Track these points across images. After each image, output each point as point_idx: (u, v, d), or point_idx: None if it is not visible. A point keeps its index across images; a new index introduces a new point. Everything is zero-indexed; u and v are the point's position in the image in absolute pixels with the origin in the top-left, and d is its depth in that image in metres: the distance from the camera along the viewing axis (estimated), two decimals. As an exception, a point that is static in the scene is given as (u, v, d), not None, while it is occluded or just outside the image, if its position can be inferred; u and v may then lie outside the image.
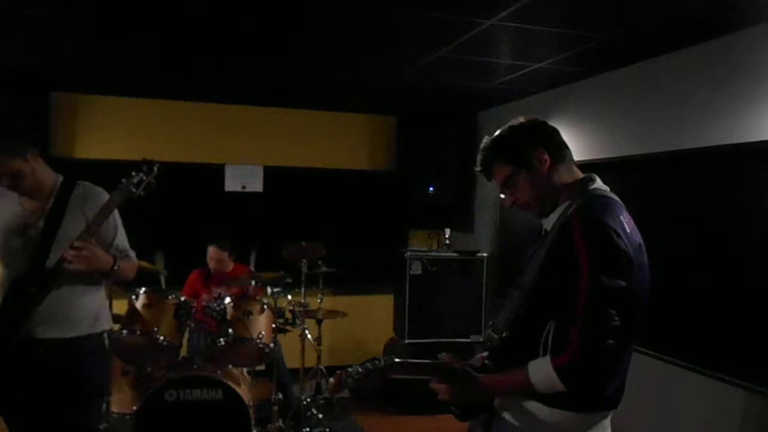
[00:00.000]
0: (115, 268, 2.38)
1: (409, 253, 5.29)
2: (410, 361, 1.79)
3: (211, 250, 4.49)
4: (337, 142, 5.94)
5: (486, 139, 1.82)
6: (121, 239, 2.54)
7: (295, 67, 4.20)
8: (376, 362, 1.69)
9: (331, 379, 1.75)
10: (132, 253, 2.56)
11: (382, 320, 5.79)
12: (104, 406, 3.59)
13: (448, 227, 5.66)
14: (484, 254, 5.35)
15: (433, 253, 5.43)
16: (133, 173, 2.39)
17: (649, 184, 3.69)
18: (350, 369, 1.68)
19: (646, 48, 3.50)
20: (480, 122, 5.70)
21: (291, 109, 5.78)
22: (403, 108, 5.74)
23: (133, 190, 2.37)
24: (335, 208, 5.89)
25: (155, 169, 2.41)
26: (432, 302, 5.22)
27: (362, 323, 5.57)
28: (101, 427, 3.65)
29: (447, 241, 5.63)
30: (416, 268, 5.25)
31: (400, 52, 3.76)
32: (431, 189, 5.59)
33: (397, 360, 1.71)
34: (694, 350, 3.29)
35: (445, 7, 2.91)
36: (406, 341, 5.17)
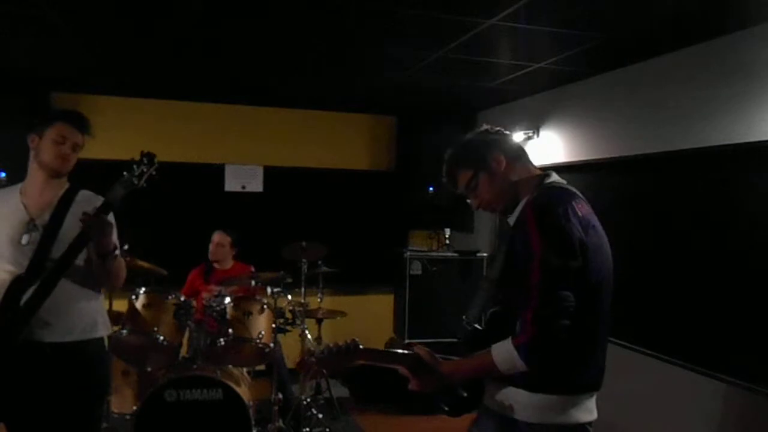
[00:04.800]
0: (117, 253, 2.42)
1: (409, 253, 5.29)
2: (375, 349, 1.87)
3: (215, 235, 4.52)
4: (337, 142, 5.94)
5: (447, 151, 2.00)
6: (115, 240, 2.54)
7: (296, 67, 4.21)
8: (340, 345, 1.78)
9: (297, 360, 1.82)
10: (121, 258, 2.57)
11: (382, 320, 5.80)
12: (104, 406, 3.59)
13: (448, 227, 5.67)
14: (484, 254, 5.35)
15: (433, 253, 5.44)
16: (134, 166, 2.43)
17: (649, 184, 3.69)
18: (314, 349, 1.75)
19: (646, 48, 3.50)
20: (480, 122, 5.68)
21: (291, 109, 5.78)
22: (403, 108, 5.74)
23: (135, 182, 2.41)
24: (335, 208, 5.89)
25: (155, 161, 2.46)
26: (432, 302, 5.23)
27: (362, 323, 5.56)
28: (102, 426, 3.66)
29: (447, 241, 5.63)
30: (416, 268, 5.25)
31: (400, 52, 3.76)
32: (431, 189, 5.59)
33: (361, 347, 1.79)
34: (693, 350, 3.29)
35: (445, 7, 2.91)
36: (406, 341, 5.17)
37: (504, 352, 1.65)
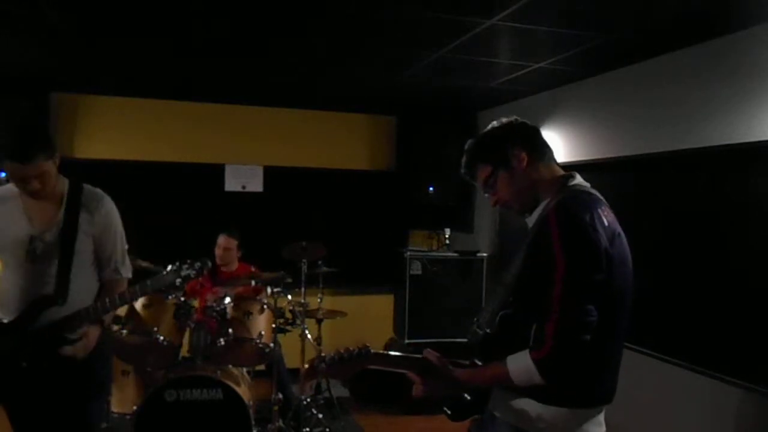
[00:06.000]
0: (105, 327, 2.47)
1: (409, 253, 5.29)
2: (386, 353, 1.82)
3: (221, 239, 4.50)
4: (337, 142, 5.94)
5: (468, 142, 1.88)
6: (121, 252, 2.52)
7: (296, 67, 4.21)
8: (351, 350, 1.73)
9: (306, 365, 1.78)
10: (125, 270, 2.53)
11: (382, 320, 5.80)
12: (106, 398, 3.59)
13: (448, 227, 5.66)
14: (484, 254, 5.35)
15: (433, 253, 5.43)
16: (185, 266, 2.37)
17: (649, 184, 3.69)
18: (324, 354, 1.71)
19: (646, 48, 3.50)
20: (480, 122, 5.69)
21: (291, 109, 5.78)
22: (403, 108, 5.74)
23: (177, 283, 2.38)
24: (335, 208, 5.89)
25: (205, 271, 2.41)
26: (432, 302, 5.22)
27: (362, 323, 5.57)
28: (102, 426, 3.66)
29: (447, 241, 5.63)
30: (416, 268, 5.25)
31: (400, 52, 3.76)
32: (431, 189, 5.58)
33: (372, 351, 1.74)
34: (693, 350, 3.29)
35: (446, 7, 2.91)
36: (406, 341, 5.17)
37: (521, 366, 1.60)
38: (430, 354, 1.76)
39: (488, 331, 1.78)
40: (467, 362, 1.82)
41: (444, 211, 5.67)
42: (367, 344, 1.75)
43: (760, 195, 2.95)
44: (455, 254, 5.36)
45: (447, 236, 5.64)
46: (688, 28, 3.14)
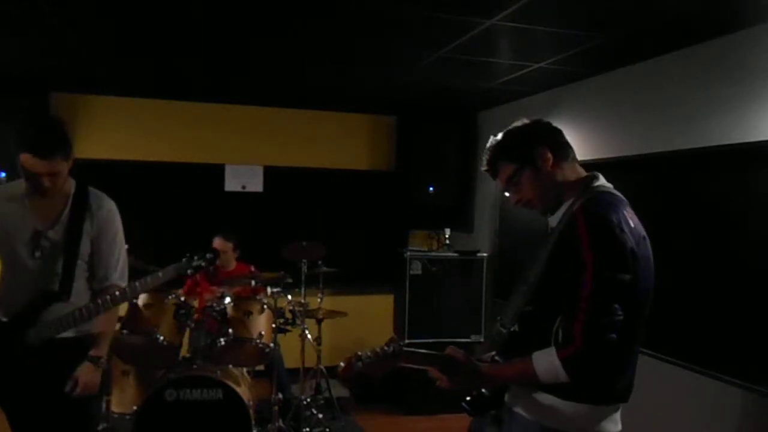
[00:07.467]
0: (102, 361, 2.42)
1: (409, 253, 5.29)
2: (419, 351, 1.82)
3: (216, 241, 4.49)
4: (337, 142, 5.94)
5: (492, 139, 1.87)
6: (116, 258, 2.49)
7: (295, 67, 4.21)
8: (386, 349, 1.75)
9: (342, 363, 1.78)
10: (116, 276, 2.48)
11: (382, 320, 5.79)
12: (104, 405, 3.59)
13: (448, 227, 5.66)
14: (484, 254, 5.35)
15: (433, 253, 5.43)
16: (196, 257, 2.50)
17: (649, 184, 3.69)
18: (360, 353, 1.73)
19: (646, 48, 3.50)
20: (480, 122, 5.69)
21: (291, 109, 5.78)
22: (403, 108, 5.74)
23: (189, 272, 2.51)
24: (335, 208, 5.89)
25: (216, 261, 2.57)
26: (432, 302, 5.22)
27: (362, 323, 5.57)
28: (101, 427, 3.67)
29: (447, 241, 5.63)
30: (416, 268, 5.25)
31: (400, 52, 3.76)
32: (431, 189, 5.58)
33: (406, 348, 1.76)
34: (693, 350, 3.29)
35: (445, 7, 2.91)
36: (406, 341, 5.17)
37: (547, 364, 1.61)
38: (455, 351, 1.76)
39: (512, 329, 1.79)
40: (489, 360, 1.83)
41: (444, 211, 5.66)
42: (400, 342, 1.78)
43: (760, 195, 2.95)
44: (455, 254, 5.36)
45: (447, 236, 5.64)
46: (688, 28, 3.14)
